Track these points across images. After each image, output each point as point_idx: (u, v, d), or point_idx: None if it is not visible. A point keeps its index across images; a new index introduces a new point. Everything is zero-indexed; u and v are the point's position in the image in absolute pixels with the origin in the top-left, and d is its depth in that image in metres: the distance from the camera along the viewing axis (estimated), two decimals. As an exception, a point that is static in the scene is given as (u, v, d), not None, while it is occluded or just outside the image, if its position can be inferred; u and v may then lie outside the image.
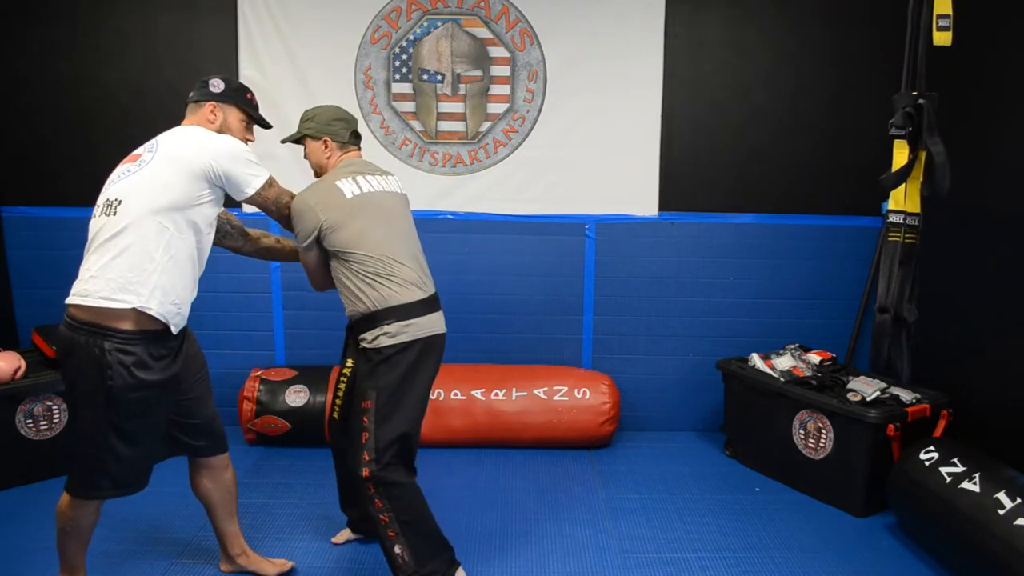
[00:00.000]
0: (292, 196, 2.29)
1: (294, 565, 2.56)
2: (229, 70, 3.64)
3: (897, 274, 2.52)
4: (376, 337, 2.26)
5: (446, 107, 3.71)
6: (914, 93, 2.46)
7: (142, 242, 2.00)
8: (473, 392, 3.54)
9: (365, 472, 2.24)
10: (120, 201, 2.03)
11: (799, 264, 3.83)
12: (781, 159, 3.75)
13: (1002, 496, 2.38)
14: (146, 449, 2.14)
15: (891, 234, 2.58)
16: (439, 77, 3.69)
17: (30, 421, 3.13)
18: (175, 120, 3.62)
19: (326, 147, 2.42)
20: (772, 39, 3.68)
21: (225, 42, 3.63)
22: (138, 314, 2.00)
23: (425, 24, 3.66)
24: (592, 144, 3.73)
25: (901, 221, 2.58)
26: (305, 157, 2.46)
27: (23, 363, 3.17)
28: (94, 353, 1.97)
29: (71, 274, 4.03)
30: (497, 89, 3.70)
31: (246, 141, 2.26)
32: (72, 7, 3.60)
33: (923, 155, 2.46)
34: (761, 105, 3.72)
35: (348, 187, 2.31)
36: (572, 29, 3.65)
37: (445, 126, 3.73)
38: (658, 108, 3.69)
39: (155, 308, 2.01)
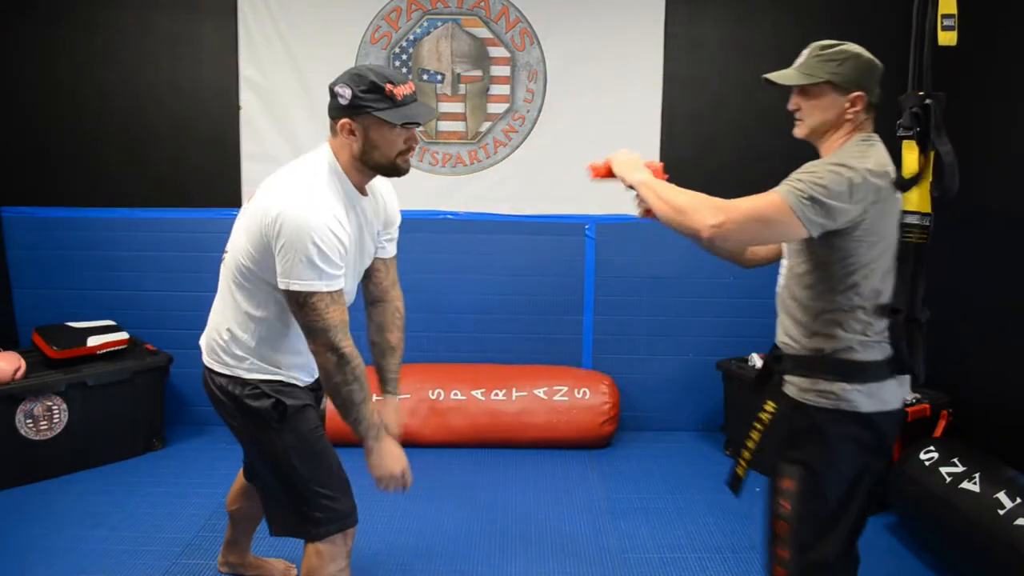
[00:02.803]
0: (340, 345, 1.74)
1: (296, 571, 2.55)
2: (229, 70, 3.65)
3: (910, 275, 2.54)
4: (842, 394, 1.62)
5: (446, 107, 3.71)
6: (920, 93, 2.47)
7: None
8: (473, 392, 3.54)
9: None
10: None
11: (799, 264, 3.82)
12: (781, 159, 3.73)
13: (1002, 496, 2.38)
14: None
15: (907, 235, 2.59)
16: (439, 77, 3.69)
17: (30, 421, 3.13)
18: (175, 120, 3.70)
19: (852, 107, 1.66)
20: (772, 39, 3.68)
21: (225, 42, 3.63)
22: None
23: (425, 24, 3.66)
24: (592, 144, 3.72)
25: (917, 222, 2.58)
26: (794, 110, 1.73)
27: (23, 363, 3.17)
28: None
29: (71, 274, 4.04)
30: (497, 89, 3.70)
31: (407, 149, 1.82)
32: (72, 7, 3.59)
33: (932, 155, 2.46)
34: (761, 105, 3.72)
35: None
36: (572, 29, 3.65)
37: (445, 126, 3.73)
38: (658, 108, 3.69)
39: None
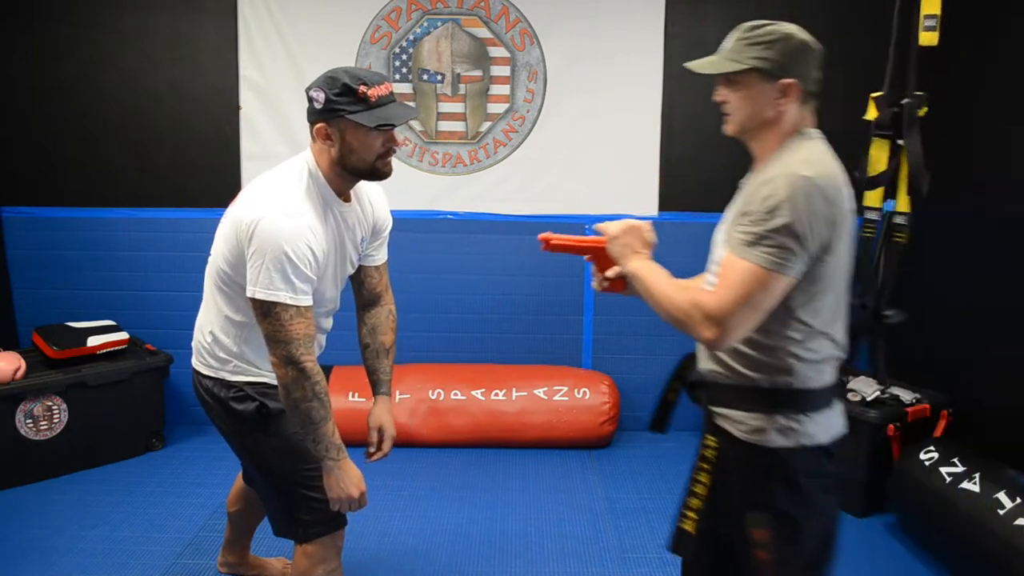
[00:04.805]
0: (300, 360, 1.69)
1: None
2: (229, 70, 3.65)
3: (871, 270, 2.59)
4: (802, 428, 1.46)
5: (446, 107, 3.71)
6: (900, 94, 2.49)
7: None
8: (473, 392, 3.54)
9: None
10: None
11: (799, 264, 3.82)
12: (781, 159, 3.75)
13: (1002, 496, 2.38)
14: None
15: (866, 231, 2.65)
16: (439, 77, 3.69)
17: (30, 421, 3.13)
18: (176, 121, 3.70)
19: (784, 96, 1.43)
20: (772, 39, 3.67)
21: (225, 42, 3.63)
22: None
23: (425, 24, 3.66)
24: (592, 144, 3.73)
25: (876, 219, 2.65)
26: (721, 103, 1.54)
27: (23, 363, 3.17)
28: None
29: (71, 274, 4.04)
30: (497, 89, 3.70)
31: (387, 152, 1.77)
32: (72, 7, 3.59)
33: (904, 155, 2.48)
34: (761, 105, 3.72)
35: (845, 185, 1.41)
36: (572, 29, 3.65)
37: (445, 126, 3.73)
38: (658, 108, 3.69)
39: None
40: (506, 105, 3.71)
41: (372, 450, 2.08)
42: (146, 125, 3.70)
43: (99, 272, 3.75)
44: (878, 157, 2.53)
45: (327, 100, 1.69)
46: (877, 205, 2.83)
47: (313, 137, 1.77)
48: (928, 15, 2.39)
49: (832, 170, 1.40)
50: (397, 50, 3.67)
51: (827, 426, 1.49)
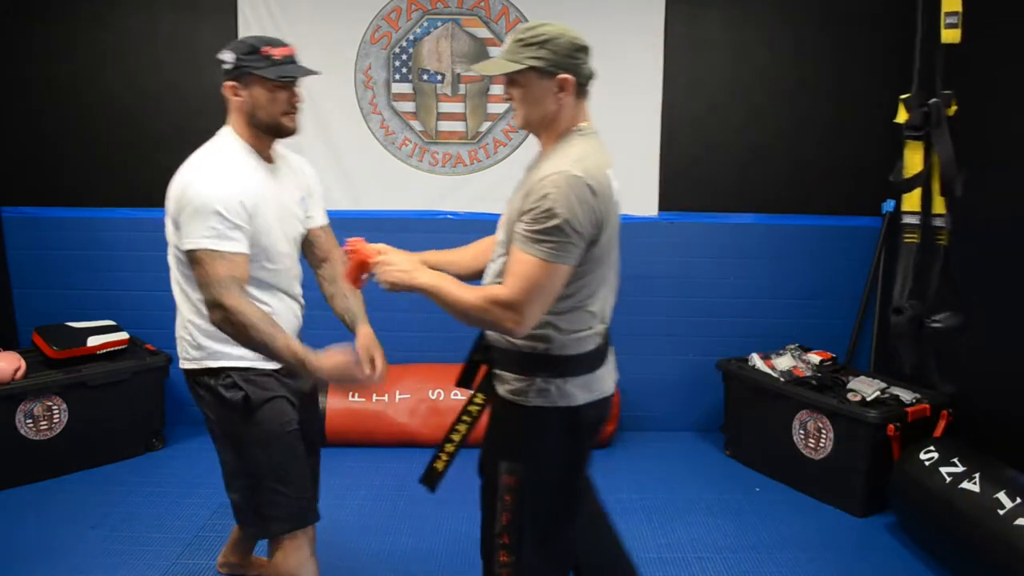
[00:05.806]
0: (221, 298, 1.71)
1: None
2: (229, 70, 3.64)
3: (911, 275, 2.53)
4: (559, 390, 1.65)
5: (446, 107, 3.71)
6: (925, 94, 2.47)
7: None
8: (473, 392, 3.53)
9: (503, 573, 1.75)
10: None
11: (799, 264, 3.82)
12: (781, 159, 3.75)
13: (1002, 496, 2.39)
14: None
15: (907, 236, 2.58)
16: (439, 77, 3.69)
17: (30, 421, 3.13)
18: (175, 120, 3.71)
19: (562, 90, 1.59)
20: (771, 39, 3.67)
21: (225, 42, 3.61)
22: None
23: (425, 24, 3.66)
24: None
25: (916, 222, 2.59)
26: (507, 99, 1.67)
27: (23, 363, 3.17)
28: None
29: (72, 274, 4.03)
30: (497, 89, 3.70)
31: (292, 109, 1.89)
32: (73, 8, 3.59)
33: (936, 156, 2.45)
34: (760, 105, 3.72)
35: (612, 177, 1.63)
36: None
37: (445, 126, 3.73)
38: (658, 108, 3.69)
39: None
40: (506, 105, 3.71)
41: (369, 371, 2.01)
42: (146, 125, 3.70)
43: (99, 272, 3.75)
44: (912, 159, 2.51)
45: (236, 59, 1.85)
46: (917, 209, 2.78)
47: (225, 98, 1.89)
48: (949, 12, 2.38)
49: (601, 167, 1.57)
50: (397, 50, 3.67)
51: (587, 389, 1.66)
